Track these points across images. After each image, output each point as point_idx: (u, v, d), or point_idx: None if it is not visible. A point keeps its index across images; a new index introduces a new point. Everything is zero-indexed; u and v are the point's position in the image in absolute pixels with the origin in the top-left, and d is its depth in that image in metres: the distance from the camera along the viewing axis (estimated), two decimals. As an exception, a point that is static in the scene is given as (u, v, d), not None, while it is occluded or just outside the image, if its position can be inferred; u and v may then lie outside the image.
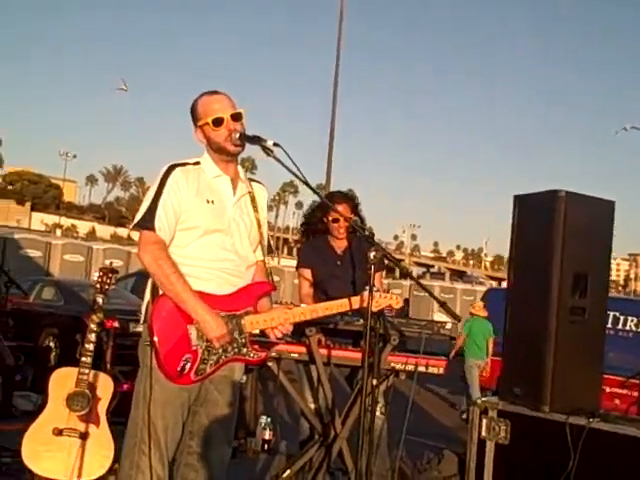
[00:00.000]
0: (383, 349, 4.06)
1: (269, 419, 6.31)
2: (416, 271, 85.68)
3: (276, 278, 21.41)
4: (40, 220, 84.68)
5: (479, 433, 4.05)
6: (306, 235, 4.97)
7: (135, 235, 3.13)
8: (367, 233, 4.08)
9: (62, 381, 4.00)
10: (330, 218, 4.70)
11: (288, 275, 26.24)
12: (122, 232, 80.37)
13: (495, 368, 9.72)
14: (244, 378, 4.14)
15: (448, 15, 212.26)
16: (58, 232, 71.88)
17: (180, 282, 2.96)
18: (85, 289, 12.02)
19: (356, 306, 3.31)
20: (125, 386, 5.59)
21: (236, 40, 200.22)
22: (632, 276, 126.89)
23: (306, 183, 3.10)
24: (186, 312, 2.96)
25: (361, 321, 3.96)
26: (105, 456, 3.93)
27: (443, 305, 3.09)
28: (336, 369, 4.47)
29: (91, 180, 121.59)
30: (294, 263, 5.30)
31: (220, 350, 3.02)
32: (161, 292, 3.00)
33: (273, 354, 4.05)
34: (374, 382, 3.27)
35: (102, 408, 4.03)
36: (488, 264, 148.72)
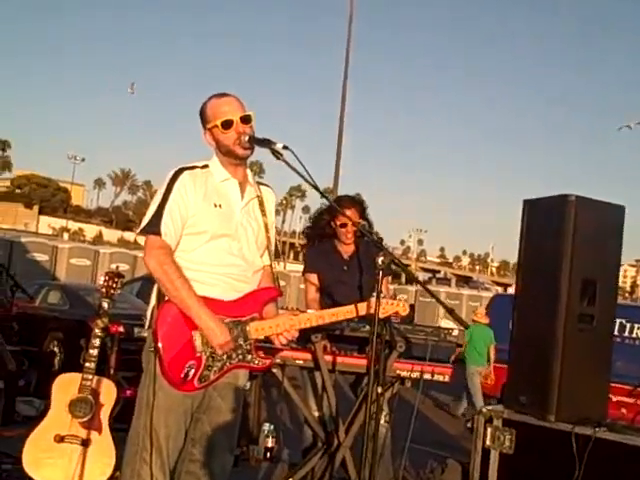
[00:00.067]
0: (389, 356, 4.03)
1: (272, 427, 6.28)
2: (422, 276, 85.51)
3: (282, 283, 21.39)
4: (48, 224, 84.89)
5: (483, 442, 4.01)
6: (311, 239, 4.94)
7: (141, 240, 3.11)
8: (375, 238, 4.04)
9: (65, 387, 3.97)
10: (338, 222, 4.67)
11: (294, 280, 26.22)
12: (129, 236, 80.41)
13: (500, 375, 9.67)
14: (248, 385, 4.09)
15: (448, 15, 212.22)
16: (65, 236, 72.04)
17: (185, 288, 2.93)
18: (91, 293, 12.00)
19: (363, 313, 3.27)
20: (128, 392, 5.56)
21: (240, 41, 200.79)
22: (639, 282, 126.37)
23: (315, 187, 3.07)
24: (191, 318, 2.93)
25: (367, 327, 3.93)
26: (106, 464, 3.90)
27: (451, 312, 3.05)
28: (340, 376, 4.43)
29: (99, 184, 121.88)
30: (300, 268, 5.26)
31: (224, 357, 3.00)
32: (166, 297, 2.97)
33: (278, 361, 4.02)
34: (379, 390, 3.24)
35: (105, 414, 4.00)
36: (494, 269, 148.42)
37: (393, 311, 3.33)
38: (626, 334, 9.54)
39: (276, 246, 3.35)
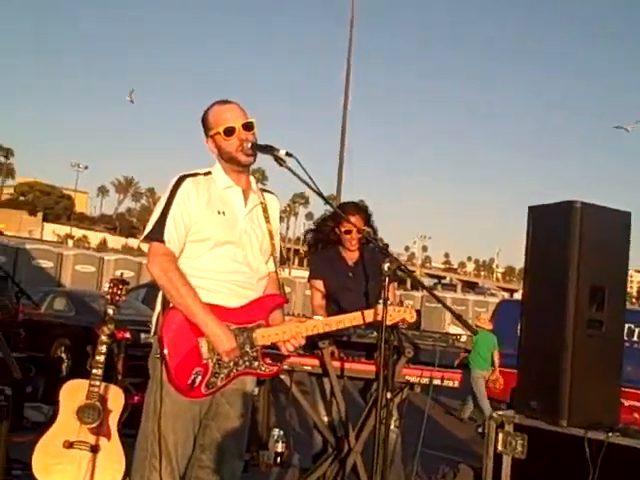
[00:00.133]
0: (397, 362, 4.01)
1: (282, 432, 6.26)
2: (427, 282, 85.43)
3: (287, 289, 21.32)
4: (52, 231, 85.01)
5: (495, 447, 3.99)
6: (314, 244, 4.92)
7: (145, 247, 3.10)
8: (381, 244, 4.04)
9: (73, 393, 3.97)
10: (342, 229, 4.66)
11: (299, 286, 26.21)
12: (133, 243, 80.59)
13: (509, 380, 9.65)
14: (256, 390, 4.09)
15: (447, 19, 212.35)
16: (70, 242, 72.17)
17: (190, 294, 2.92)
18: (96, 300, 12.02)
19: (369, 320, 3.26)
20: (136, 398, 5.55)
21: (241, 48, 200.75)
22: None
23: (319, 193, 3.06)
24: (197, 325, 2.92)
25: (374, 334, 3.92)
26: (116, 470, 3.89)
27: (459, 318, 3.04)
28: (349, 382, 4.42)
29: (102, 191, 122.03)
30: (305, 274, 5.26)
31: (231, 364, 2.98)
32: (171, 304, 2.96)
33: (285, 367, 4.00)
34: (388, 395, 3.22)
35: (113, 421, 3.99)
36: (500, 275, 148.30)
37: (400, 318, 3.32)
38: (635, 338, 9.54)
39: (281, 253, 3.33)
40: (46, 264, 21.51)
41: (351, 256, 4.75)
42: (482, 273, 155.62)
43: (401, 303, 3.63)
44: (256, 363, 3.05)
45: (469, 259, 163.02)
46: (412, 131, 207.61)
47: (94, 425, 3.87)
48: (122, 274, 4.75)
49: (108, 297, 4.05)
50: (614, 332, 4.00)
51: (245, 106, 3.14)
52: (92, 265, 23.09)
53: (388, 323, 3.08)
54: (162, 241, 2.96)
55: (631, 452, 3.50)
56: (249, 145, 3.03)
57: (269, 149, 2.99)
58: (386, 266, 3.05)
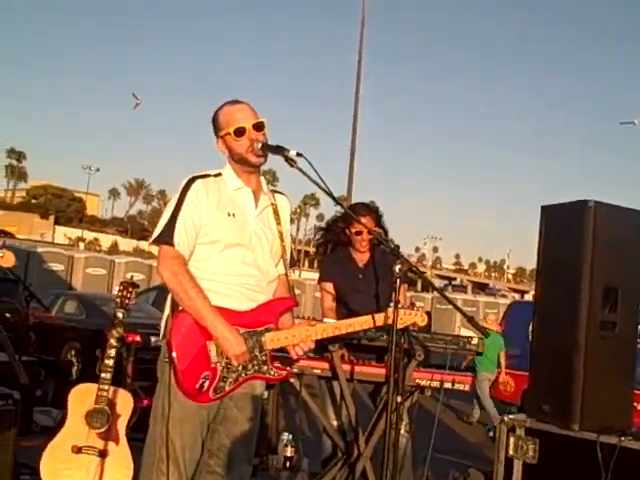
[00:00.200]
0: (408, 365, 3.98)
1: (291, 436, 6.23)
2: (438, 283, 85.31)
3: (297, 291, 21.37)
4: (64, 234, 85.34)
5: (506, 451, 3.95)
6: (324, 243, 4.90)
7: (154, 249, 3.07)
8: (392, 245, 4.01)
9: (81, 397, 3.95)
10: (353, 230, 4.63)
11: (309, 288, 26.24)
12: (144, 245, 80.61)
13: (519, 383, 9.60)
14: (266, 394, 4.06)
15: (447, 18, 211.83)
16: (81, 245, 72.45)
17: (200, 298, 2.90)
18: (107, 303, 12.03)
19: (380, 323, 3.22)
20: (145, 401, 5.53)
21: (254, 47, 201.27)
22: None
23: (330, 194, 3.03)
24: (206, 328, 2.89)
25: (385, 336, 3.88)
26: (125, 475, 3.86)
27: (470, 320, 3.01)
28: (359, 385, 4.39)
29: (114, 193, 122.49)
30: (315, 276, 5.23)
31: (240, 368, 2.95)
32: (180, 307, 2.94)
33: (295, 370, 3.98)
34: (399, 399, 3.19)
35: (122, 425, 3.96)
36: (510, 276, 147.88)
37: (411, 321, 3.28)
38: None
39: (291, 254, 3.31)
40: (57, 267, 21.63)
41: (361, 258, 4.72)
42: (493, 274, 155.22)
43: (412, 305, 3.59)
44: (265, 367, 3.03)
45: (480, 260, 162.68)
46: (412, 131, 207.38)
47: (102, 430, 3.84)
48: (132, 277, 4.71)
49: (117, 300, 4.02)
50: (627, 333, 3.95)
51: (255, 106, 3.12)
52: (103, 268, 23.19)
53: (399, 327, 3.05)
54: (172, 244, 2.94)
55: (645, 456, 3.45)
56: (259, 145, 3.01)
57: (279, 149, 2.97)
58: (397, 268, 3.02)
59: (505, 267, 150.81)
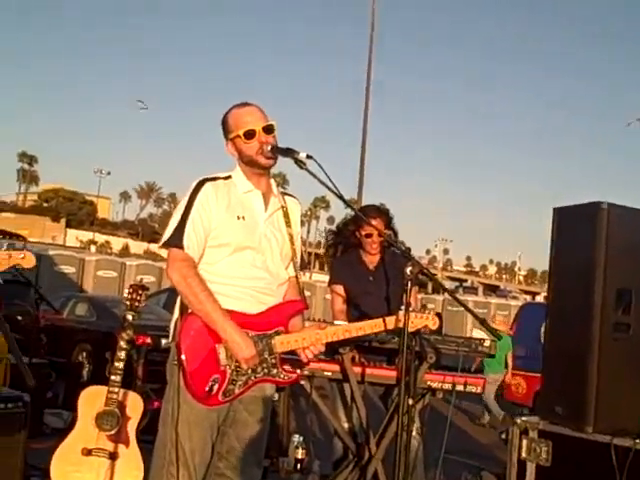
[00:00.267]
0: (419, 367, 3.95)
1: (302, 438, 6.20)
2: (448, 285, 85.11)
3: (308, 293, 21.36)
4: (75, 237, 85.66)
5: (519, 454, 3.91)
6: (334, 245, 4.88)
7: (164, 252, 3.06)
8: (403, 248, 3.99)
9: (91, 400, 3.94)
10: (363, 233, 4.61)
11: (320, 290, 26.16)
12: (155, 248, 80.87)
13: (531, 384, 9.56)
14: (276, 396, 4.05)
15: (447, 19, 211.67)
16: (93, 248, 72.70)
17: (209, 301, 2.88)
18: (118, 305, 12.05)
19: (391, 327, 3.20)
20: (156, 404, 5.53)
21: (263, 50, 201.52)
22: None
23: (340, 196, 3.02)
24: (215, 331, 2.88)
25: (396, 339, 3.86)
26: (135, 477, 3.86)
27: (483, 322, 2.98)
28: (370, 387, 4.36)
29: (124, 197, 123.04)
30: (326, 278, 5.21)
31: (249, 371, 2.94)
32: (189, 310, 2.93)
33: (306, 372, 3.96)
34: (410, 401, 3.16)
35: (132, 427, 3.96)
36: (522, 278, 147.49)
37: (422, 325, 3.26)
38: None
39: (302, 257, 3.29)
40: (68, 270, 21.66)
41: (372, 260, 4.70)
42: (504, 276, 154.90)
43: (424, 308, 3.56)
44: (275, 370, 3.01)
45: (491, 262, 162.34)
46: (412, 131, 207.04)
47: (113, 432, 3.84)
48: (142, 279, 4.72)
49: (127, 303, 4.02)
50: (641, 335, 3.91)
51: (264, 109, 3.11)
52: (114, 270, 23.19)
53: (410, 330, 3.02)
54: (181, 247, 2.93)
55: (660, 459, 3.41)
56: (269, 148, 3.00)
57: (289, 152, 2.96)
58: (409, 270, 3.00)
59: (516, 269, 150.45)
